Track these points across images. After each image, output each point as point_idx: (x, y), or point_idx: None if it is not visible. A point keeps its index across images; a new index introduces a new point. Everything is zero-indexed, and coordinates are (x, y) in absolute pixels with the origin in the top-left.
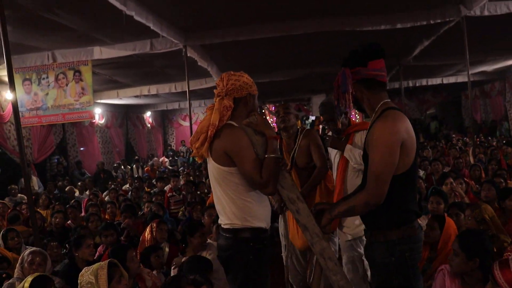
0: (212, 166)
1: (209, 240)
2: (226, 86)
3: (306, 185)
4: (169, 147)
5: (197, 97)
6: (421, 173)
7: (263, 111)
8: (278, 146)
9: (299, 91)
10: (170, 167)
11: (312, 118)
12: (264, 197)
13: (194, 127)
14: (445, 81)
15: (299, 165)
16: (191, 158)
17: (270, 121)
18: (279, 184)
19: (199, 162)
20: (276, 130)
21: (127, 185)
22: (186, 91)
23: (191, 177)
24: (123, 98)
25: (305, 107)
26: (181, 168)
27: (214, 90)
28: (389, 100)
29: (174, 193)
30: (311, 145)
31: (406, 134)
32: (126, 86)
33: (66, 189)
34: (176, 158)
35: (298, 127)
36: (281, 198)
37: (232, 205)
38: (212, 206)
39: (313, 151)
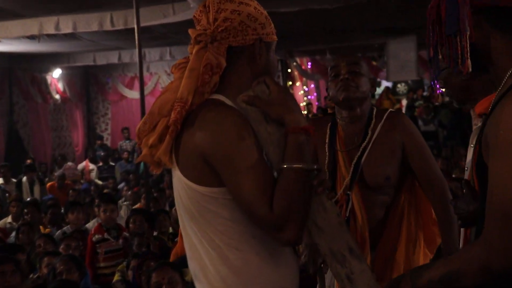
0: (179, 184)
1: None
2: (215, 23)
3: (444, 229)
4: (99, 142)
5: (157, 42)
6: None
7: (289, 71)
8: (308, 147)
9: (360, 31)
10: (100, 182)
11: (387, 84)
12: (281, 250)
13: (150, 102)
14: None
15: (370, 180)
16: (141, 165)
17: (301, 94)
18: (312, 222)
19: (156, 173)
20: (314, 109)
21: (9, 218)
22: (134, 28)
23: (142, 203)
24: (3, 41)
25: (374, 63)
26: (122, 184)
27: (190, 31)
28: None
29: (106, 235)
30: (407, 145)
31: None
32: (9, 15)
33: None
34: (112, 163)
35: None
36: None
37: (219, 262)
38: (173, 264)
39: (417, 157)
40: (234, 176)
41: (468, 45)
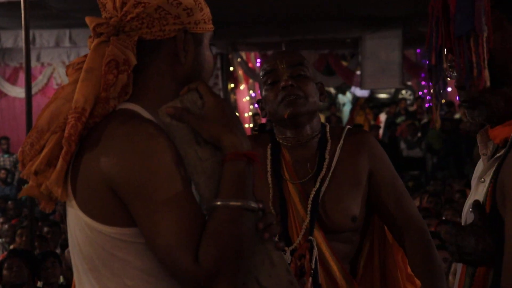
0: (76, 223)
1: None
2: (122, 9)
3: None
4: None
5: (53, 22)
6: None
7: (231, 70)
8: (251, 179)
9: (328, 21)
10: None
11: (362, 93)
12: None
13: (41, 103)
14: None
15: (331, 222)
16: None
17: (247, 101)
18: (254, 280)
19: (48, 211)
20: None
21: None
22: (20, 0)
23: (23, 241)
24: None
25: (345, 64)
26: None
27: (88, 20)
28: None
29: None
30: (376, 174)
31: None
32: None
33: None
34: None
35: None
36: None
37: None
38: None
39: (389, 191)
40: (149, 215)
41: (485, 50)
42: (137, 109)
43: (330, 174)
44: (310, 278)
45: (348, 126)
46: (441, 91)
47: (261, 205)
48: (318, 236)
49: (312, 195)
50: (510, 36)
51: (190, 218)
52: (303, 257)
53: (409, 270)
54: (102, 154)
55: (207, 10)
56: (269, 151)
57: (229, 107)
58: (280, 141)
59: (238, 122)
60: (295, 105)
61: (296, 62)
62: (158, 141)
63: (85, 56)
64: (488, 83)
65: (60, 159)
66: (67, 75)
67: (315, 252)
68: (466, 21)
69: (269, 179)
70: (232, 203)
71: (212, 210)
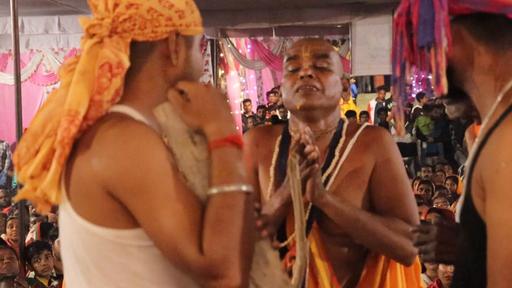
0: (71, 224)
1: None
2: (115, 10)
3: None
4: None
5: (42, 9)
6: None
7: (221, 56)
8: (242, 163)
9: (318, 6)
10: None
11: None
12: None
13: (30, 90)
14: None
15: (333, 225)
16: (15, 177)
17: (237, 87)
18: (250, 279)
19: (42, 213)
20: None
21: None
22: None
23: (13, 231)
24: None
25: (335, 50)
26: None
27: (81, 20)
28: None
29: None
30: (378, 169)
31: None
32: None
33: None
34: None
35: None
36: None
37: None
38: None
39: (386, 189)
40: (149, 212)
41: (443, 59)
42: (129, 111)
43: (336, 172)
44: None
45: (367, 123)
46: (404, 101)
47: (249, 188)
48: (313, 239)
49: (312, 196)
50: (471, 47)
51: (190, 210)
52: (294, 258)
53: (421, 284)
54: (95, 156)
55: (197, 13)
56: (277, 143)
57: (211, 90)
58: (292, 134)
59: (221, 107)
60: (309, 96)
61: (321, 53)
62: (149, 140)
63: (76, 57)
64: (446, 91)
65: (54, 162)
66: (59, 76)
67: (307, 255)
68: (427, 33)
69: (272, 172)
70: (226, 188)
71: (208, 200)
